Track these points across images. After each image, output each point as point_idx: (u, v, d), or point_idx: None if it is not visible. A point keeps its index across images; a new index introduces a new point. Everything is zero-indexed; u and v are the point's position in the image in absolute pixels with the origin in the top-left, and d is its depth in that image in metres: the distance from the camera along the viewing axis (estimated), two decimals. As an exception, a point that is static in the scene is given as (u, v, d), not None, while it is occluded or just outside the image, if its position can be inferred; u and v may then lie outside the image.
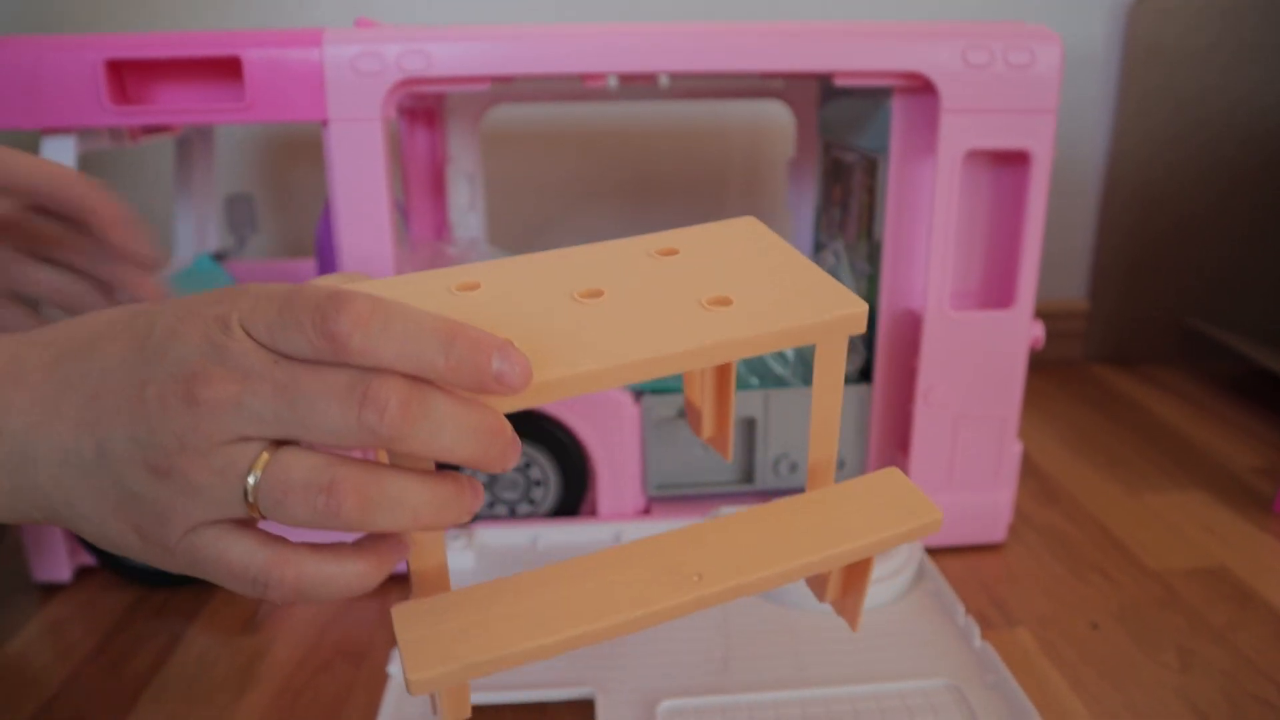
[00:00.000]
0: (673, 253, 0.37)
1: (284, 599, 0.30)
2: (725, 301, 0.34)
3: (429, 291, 0.34)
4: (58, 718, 0.53)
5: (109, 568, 0.66)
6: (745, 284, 0.35)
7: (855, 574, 0.38)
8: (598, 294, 0.34)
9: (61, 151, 0.59)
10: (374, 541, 0.31)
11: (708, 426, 0.42)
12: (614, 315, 0.33)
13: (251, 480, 0.28)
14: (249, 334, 0.28)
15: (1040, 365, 1.10)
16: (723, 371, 0.40)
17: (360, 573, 0.30)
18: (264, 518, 0.29)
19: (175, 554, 0.29)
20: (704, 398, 0.41)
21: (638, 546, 0.34)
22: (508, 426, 0.29)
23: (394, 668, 0.51)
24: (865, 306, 0.34)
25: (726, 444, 0.41)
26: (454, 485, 0.30)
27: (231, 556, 0.29)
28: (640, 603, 0.32)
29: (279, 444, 0.28)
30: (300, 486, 0.28)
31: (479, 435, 0.28)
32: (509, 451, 0.29)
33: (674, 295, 0.34)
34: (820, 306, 0.34)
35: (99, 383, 0.29)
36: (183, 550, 0.29)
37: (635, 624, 0.32)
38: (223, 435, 0.27)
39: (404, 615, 0.32)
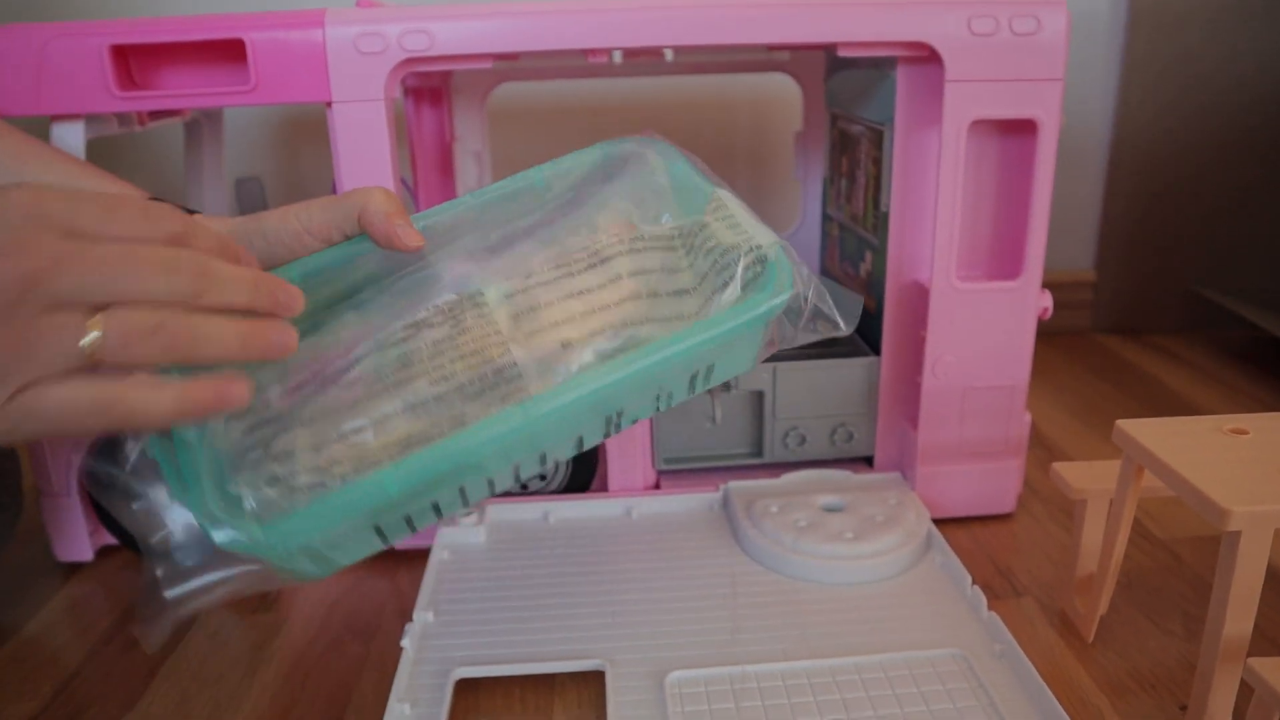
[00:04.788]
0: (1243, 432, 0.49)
1: (114, 423, 0.34)
2: None
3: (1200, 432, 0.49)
4: (76, 696, 0.54)
5: (129, 546, 0.67)
6: None
7: None
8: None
9: (70, 137, 0.59)
10: (194, 378, 0.36)
11: None
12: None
13: (93, 335, 0.33)
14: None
15: (1047, 336, 1.10)
16: None
17: (177, 396, 0.35)
18: (106, 364, 0.33)
19: (5, 413, 0.33)
20: None
21: None
22: (278, 285, 0.37)
23: (407, 641, 0.52)
24: None
25: None
26: (257, 323, 0.36)
27: (64, 396, 0.33)
28: None
29: (99, 307, 0.33)
30: (139, 331, 0.33)
31: (255, 288, 0.36)
32: (279, 295, 0.37)
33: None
34: None
35: None
36: (14, 408, 0.33)
37: None
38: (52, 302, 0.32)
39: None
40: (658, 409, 0.44)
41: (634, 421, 0.45)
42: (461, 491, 0.41)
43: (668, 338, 0.40)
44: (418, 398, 0.39)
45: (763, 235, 0.42)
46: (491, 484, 0.42)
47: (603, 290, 0.42)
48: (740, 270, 0.41)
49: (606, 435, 0.44)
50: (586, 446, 0.44)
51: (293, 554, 0.38)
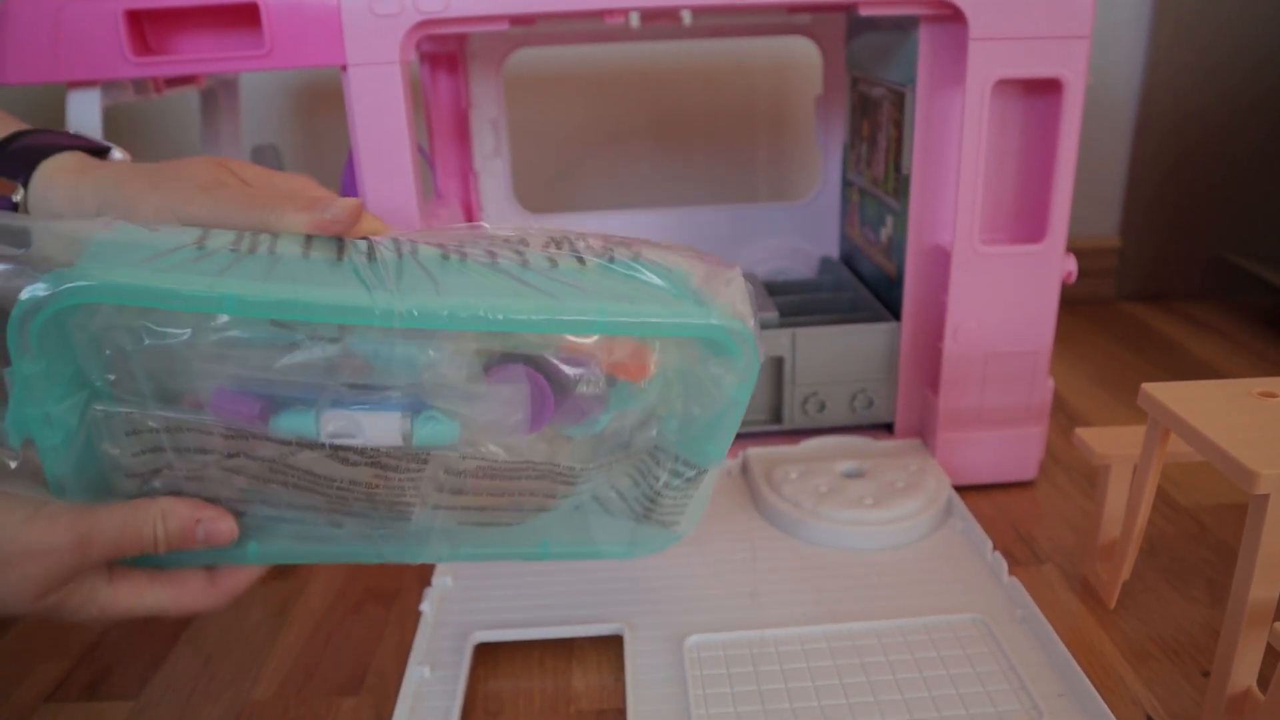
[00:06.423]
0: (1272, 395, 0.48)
1: None
2: None
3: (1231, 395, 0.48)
4: (103, 658, 0.55)
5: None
6: None
7: None
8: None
9: (87, 104, 0.59)
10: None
11: None
12: None
13: None
14: None
15: (1071, 303, 1.09)
16: None
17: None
18: None
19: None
20: None
21: None
22: None
23: (426, 605, 0.52)
24: None
25: None
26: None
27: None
28: None
29: None
30: None
31: None
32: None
33: None
34: None
35: None
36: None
37: None
38: None
39: None
40: None
41: None
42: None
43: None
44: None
45: None
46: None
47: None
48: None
49: None
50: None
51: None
